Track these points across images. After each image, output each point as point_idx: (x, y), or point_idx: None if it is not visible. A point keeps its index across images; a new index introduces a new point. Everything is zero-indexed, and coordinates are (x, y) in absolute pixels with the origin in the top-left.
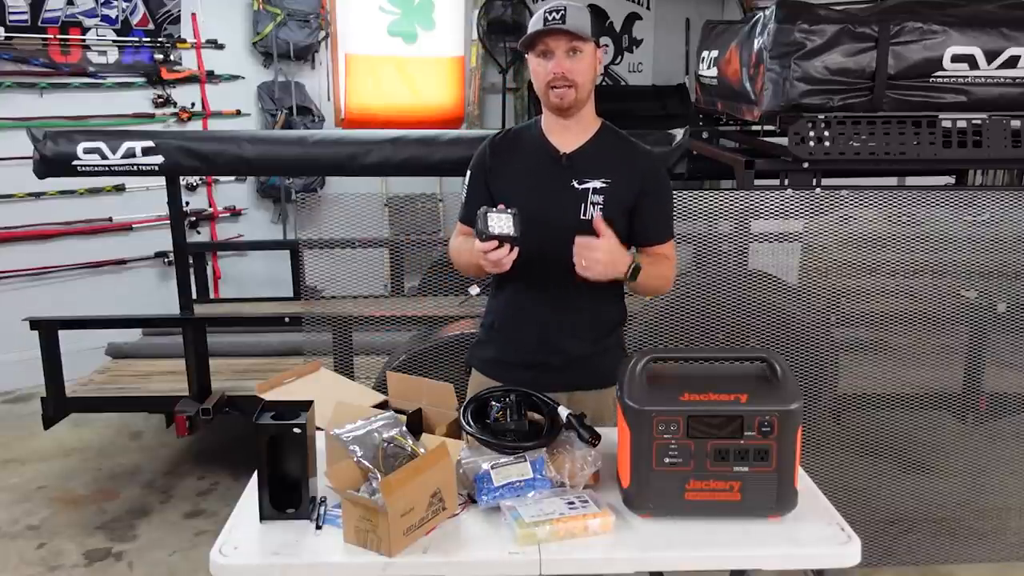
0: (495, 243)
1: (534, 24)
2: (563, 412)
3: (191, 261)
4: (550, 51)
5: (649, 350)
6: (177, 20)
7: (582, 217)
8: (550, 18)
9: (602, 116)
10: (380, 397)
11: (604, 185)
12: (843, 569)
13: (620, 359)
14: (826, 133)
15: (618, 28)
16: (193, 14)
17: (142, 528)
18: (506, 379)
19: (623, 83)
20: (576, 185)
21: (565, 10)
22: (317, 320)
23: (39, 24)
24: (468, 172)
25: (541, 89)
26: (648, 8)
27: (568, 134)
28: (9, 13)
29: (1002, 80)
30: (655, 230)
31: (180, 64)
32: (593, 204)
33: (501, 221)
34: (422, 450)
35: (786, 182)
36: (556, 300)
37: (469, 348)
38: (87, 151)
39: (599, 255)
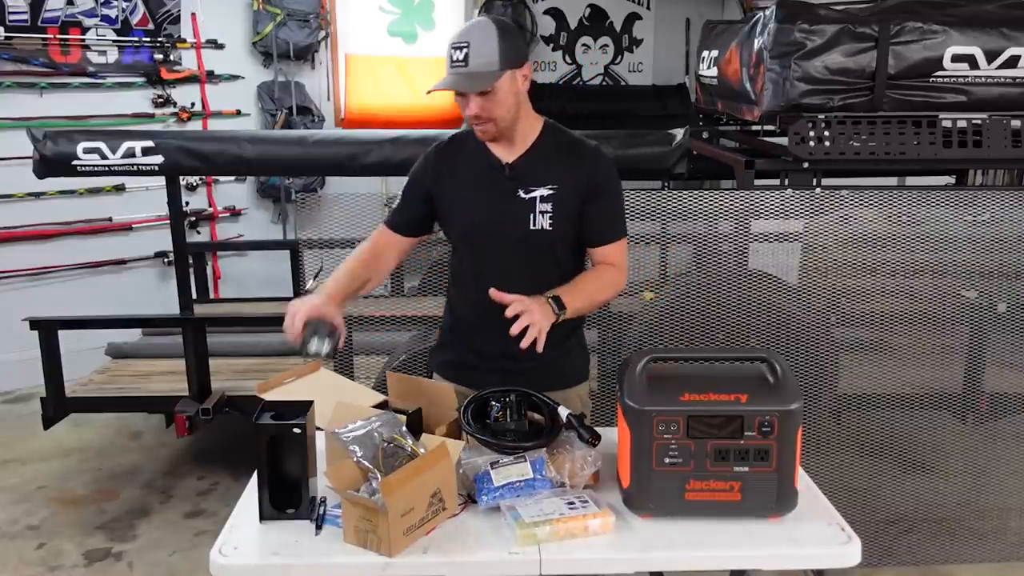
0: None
1: (446, 58)
2: (563, 412)
3: (191, 261)
4: (461, 94)
5: (649, 350)
6: (177, 20)
7: (531, 227)
8: (453, 58)
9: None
10: (380, 397)
11: (551, 192)
12: (843, 569)
13: (582, 358)
14: (826, 133)
15: (618, 28)
16: (193, 14)
17: (142, 528)
18: (469, 383)
19: (623, 83)
20: (522, 195)
21: (468, 47)
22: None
23: (39, 24)
24: (408, 178)
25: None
26: (648, 8)
27: (508, 144)
28: (9, 13)
29: (1002, 80)
30: (603, 230)
31: (180, 64)
32: (542, 213)
33: (320, 345)
34: (422, 450)
35: (786, 182)
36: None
37: (430, 353)
38: (87, 151)
39: (528, 310)
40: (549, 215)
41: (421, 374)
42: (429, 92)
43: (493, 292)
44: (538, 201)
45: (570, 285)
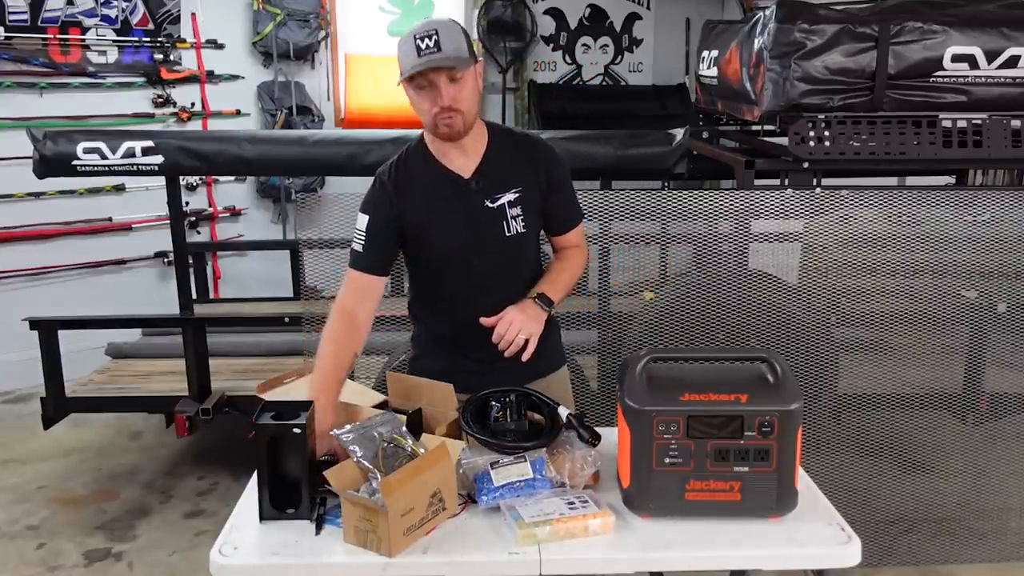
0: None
1: (406, 54)
2: (563, 412)
3: (191, 261)
4: (430, 83)
5: (649, 350)
6: (177, 20)
7: (507, 234)
8: (423, 47)
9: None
10: (380, 397)
11: (516, 196)
12: (843, 569)
13: (557, 346)
14: (826, 133)
15: (618, 28)
16: (193, 14)
17: (142, 528)
18: (458, 388)
19: (623, 83)
20: (490, 204)
21: (438, 34)
22: (317, 320)
23: (39, 24)
24: (363, 215)
25: (427, 121)
26: (648, 8)
27: (462, 155)
28: (9, 13)
29: (1002, 80)
30: (567, 218)
31: (180, 64)
32: (514, 218)
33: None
34: (422, 450)
35: (786, 182)
36: (492, 312)
37: (409, 362)
38: (87, 151)
39: (517, 324)
40: (521, 218)
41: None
42: (400, 83)
43: (484, 321)
44: (507, 207)
45: (549, 279)
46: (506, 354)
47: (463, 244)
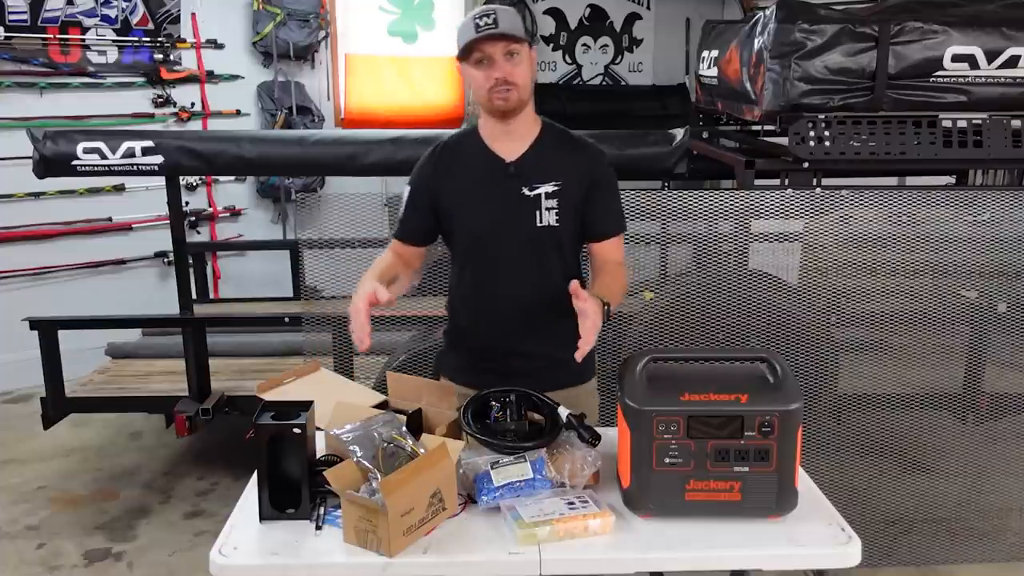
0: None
1: (464, 32)
2: (563, 412)
3: (191, 261)
4: (487, 57)
5: (649, 350)
6: (177, 20)
7: (538, 224)
8: (482, 23)
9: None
10: (380, 397)
11: (555, 188)
12: (843, 569)
13: (589, 358)
14: (826, 133)
15: (618, 28)
16: (193, 14)
17: (142, 528)
18: (480, 385)
19: (623, 83)
20: (527, 192)
21: (496, 14)
22: (317, 320)
23: (39, 24)
24: (408, 186)
25: (482, 96)
26: (648, 8)
27: (510, 140)
28: (9, 13)
29: (1003, 80)
30: (606, 223)
31: (180, 64)
32: (548, 209)
33: None
34: (422, 450)
35: (786, 182)
36: (518, 307)
37: (436, 357)
38: (87, 151)
39: (596, 322)
40: (555, 211)
41: (421, 374)
42: (459, 57)
43: (574, 287)
44: (543, 198)
45: (604, 288)
46: (577, 356)
47: (491, 226)
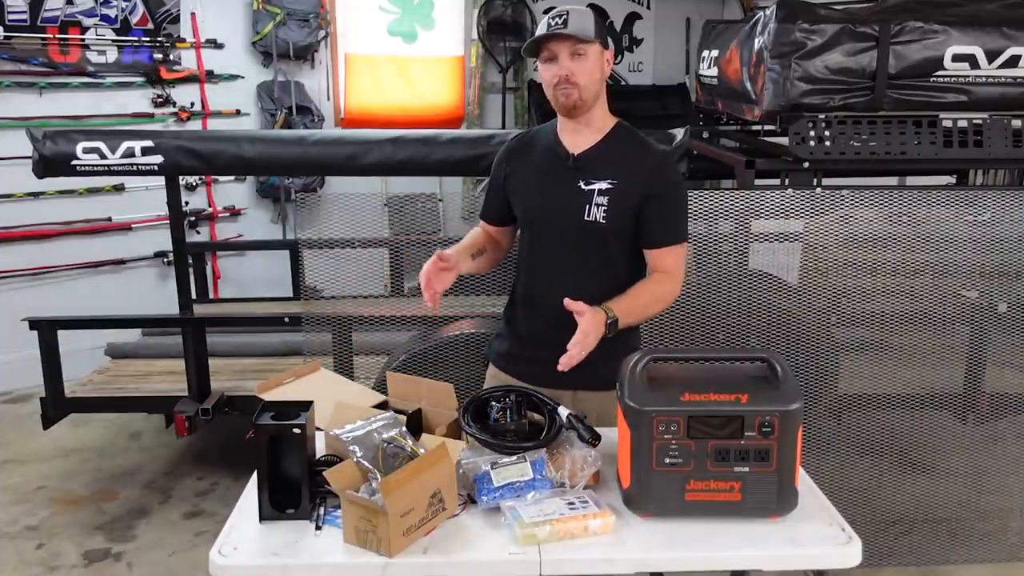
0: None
1: (540, 30)
2: (563, 412)
3: (191, 261)
4: (554, 55)
5: (649, 350)
6: (176, 20)
7: (585, 218)
8: (553, 23)
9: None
10: (380, 397)
11: (610, 186)
12: (844, 569)
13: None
14: (826, 133)
15: (618, 28)
16: (192, 13)
17: (141, 528)
18: (516, 373)
19: (623, 83)
20: (583, 186)
21: (568, 14)
22: (317, 320)
23: (38, 24)
24: (492, 169)
25: (549, 92)
26: (648, 8)
27: (579, 135)
28: (8, 13)
29: (1003, 80)
30: (659, 232)
31: (179, 64)
32: (597, 205)
33: None
34: (422, 450)
35: (786, 182)
36: (558, 299)
37: (488, 341)
38: (86, 151)
39: (588, 336)
40: (604, 208)
41: (421, 374)
42: (525, 49)
43: (567, 302)
44: (596, 194)
45: (627, 297)
46: (560, 367)
47: (543, 212)
